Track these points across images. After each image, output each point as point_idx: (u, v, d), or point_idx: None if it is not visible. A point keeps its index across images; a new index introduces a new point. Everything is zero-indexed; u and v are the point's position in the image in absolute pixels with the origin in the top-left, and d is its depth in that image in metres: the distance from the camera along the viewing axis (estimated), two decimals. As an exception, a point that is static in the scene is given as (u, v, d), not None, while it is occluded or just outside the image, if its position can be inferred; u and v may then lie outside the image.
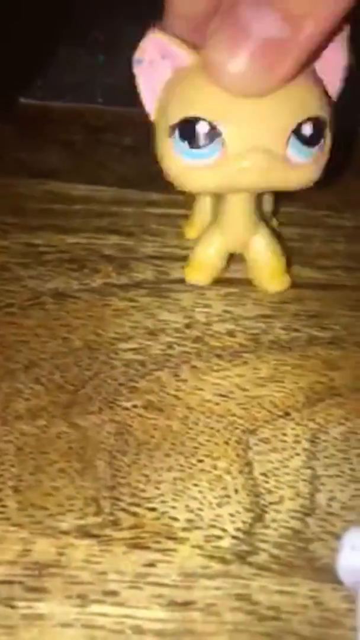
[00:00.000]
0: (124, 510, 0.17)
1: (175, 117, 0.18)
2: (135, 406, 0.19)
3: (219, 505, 0.17)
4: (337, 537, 0.16)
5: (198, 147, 0.18)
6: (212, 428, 0.19)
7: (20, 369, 0.20)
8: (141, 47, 0.19)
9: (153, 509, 0.17)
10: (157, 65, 0.19)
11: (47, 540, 0.16)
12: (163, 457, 0.18)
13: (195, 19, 0.20)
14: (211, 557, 0.16)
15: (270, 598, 0.15)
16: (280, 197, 0.23)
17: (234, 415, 0.19)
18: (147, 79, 0.19)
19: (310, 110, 0.18)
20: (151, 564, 0.16)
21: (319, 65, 0.19)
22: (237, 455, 0.18)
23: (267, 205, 0.23)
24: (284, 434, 0.18)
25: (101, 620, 0.15)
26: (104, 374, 0.20)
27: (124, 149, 0.28)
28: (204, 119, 0.18)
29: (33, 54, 0.31)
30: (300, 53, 0.17)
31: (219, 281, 0.23)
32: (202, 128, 0.18)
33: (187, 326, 0.21)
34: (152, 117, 0.20)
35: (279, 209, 0.24)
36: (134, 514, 0.17)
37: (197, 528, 0.17)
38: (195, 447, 0.18)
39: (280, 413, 0.19)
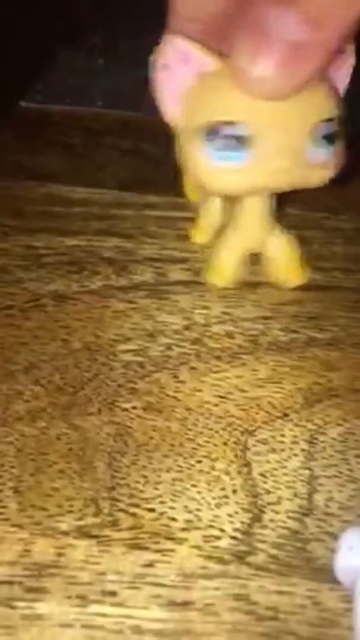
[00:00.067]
0: (123, 510, 0.17)
1: (205, 122, 0.19)
2: (134, 407, 0.19)
3: (218, 505, 0.17)
4: (335, 537, 0.16)
5: (228, 150, 0.19)
6: (210, 429, 0.19)
7: (20, 370, 0.20)
8: (161, 52, 0.19)
9: (152, 510, 0.17)
10: (178, 71, 0.19)
11: (46, 540, 0.16)
12: (162, 458, 0.18)
13: (203, 22, 0.20)
14: (210, 557, 0.16)
15: (269, 598, 0.16)
16: (279, 199, 0.23)
17: (232, 416, 0.19)
18: (167, 84, 0.19)
19: (329, 110, 0.19)
20: (150, 565, 0.16)
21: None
22: (236, 456, 0.18)
23: None
24: (282, 435, 0.19)
25: (100, 621, 0.15)
26: (104, 376, 0.20)
27: (123, 152, 0.28)
28: (234, 123, 0.18)
29: (33, 58, 0.31)
30: (323, 56, 0.17)
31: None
32: (232, 131, 0.18)
33: (186, 328, 0.21)
34: (175, 122, 0.20)
35: (277, 211, 0.24)
36: (133, 515, 0.17)
37: (196, 528, 0.17)
38: (194, 448, 0.18)
39: (279, 414, 0.19)
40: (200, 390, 0.20)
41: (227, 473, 0.18)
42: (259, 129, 0.18)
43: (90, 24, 0.32)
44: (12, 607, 0.15)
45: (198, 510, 0.17)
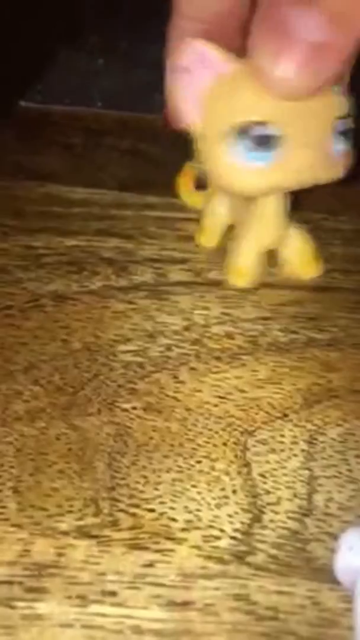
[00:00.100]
0: (123, 511, 0.17)
1: (233, 123, 0.19)
2: (134, 408, 0.19)
3: (218, 506, 0.17)
4: (335, 537, 0.16)
5: (258, 150, 0.19)
6: (210, 429, 0.19)
7: (20, 370, 0.20)
8: (179, 56, 0.19)
9: (152, 510, 0.17)
10: (197, 74, 0.19)
11: (46, 540, 0.16)
12: (162, 459, 0.18)
13: (207, 22, 0.20)
14: (209, 557, 0.16)
15: (269, 598, 0.16)
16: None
17: (232, 416, 0.19)
18: (186, 88, 0.19)
19: (345, 107, 0.19)
20: (150, 565, 0.16)
21: None
22: (236, 456, 0.18)
23: None
24: (282, 435, 0.19)
25: (100, 621, 0.15)
26: (103, 376, 0.20)
27: (122, 152, 0.28)
28: (263, 122, 0.19)
29: (33, 58, 0.31)
30: (344, 55, 0.17)
31: (217, 283, 0.23)
32: (262, 131, 0.19)
33: (186, 328, 0.21)
34: (195, 124, 0.20)
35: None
36: (133, 515, 0.17)
37: (196, 529, 0.17)
38: (194, 449, 0.18)
39: (279, 414, 0.19)
40: (200, 391, 0.20)
41: (227, 473, 0.18)
42: (286, 127, 0.19)
43: (90, 24, 0.32)
44: (12, 607, 0.15)
45: (198, 510, 0.17)
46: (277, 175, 0.19)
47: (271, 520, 0.17)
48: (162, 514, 0.17)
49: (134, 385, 0.20)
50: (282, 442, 0.18)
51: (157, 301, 0.22)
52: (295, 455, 0.18)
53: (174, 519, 0.17)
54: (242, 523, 0.17)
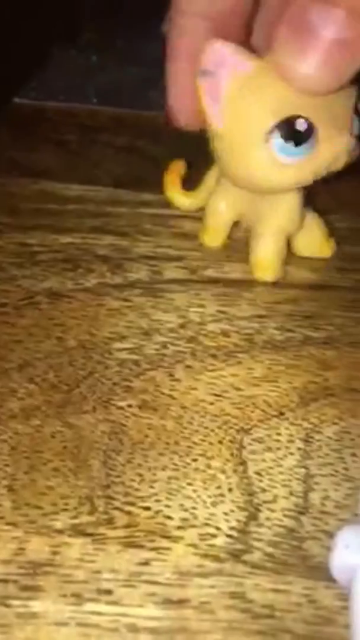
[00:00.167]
0: (118, 509, 0.17)
1: (270, 121, 0.19)
2: (129, 406, 0.19)
3: (213, 504, 0.17)
4: (331, 535, 0.16)
5: (293, 145, 0.19)
6: (206, 427, 0.19)
7: (15, 368, 0.20)
8: (204, 59, 0.19)
9: (147, 508, 0.17)
10: (219, 75, 0.19)
11: (41, 539, 0.16)
12: (157, 457, 0.18)
13: (214, 19, 0.20)
14: (205, 555, 0.16)
15: (264, 596, 0.16)
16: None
17: (228, 414, 0.19)
18: (211, 90, 0.19)
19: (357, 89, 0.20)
20: (145, 563, 0.16)
21: None
22: (231, 454, 0.18)
23: None
24: (278, 434, 0.19)
25: (96, 619, 0.15)
26: (98, 374, 0.20)
27: (118, 149, 0.28)
28: (297, 118, 0.19)
29: (27, 55, 0.31)
30: None
31: (212, 281, 0.23)
32: (302, 125, 0.19)
33: (182, 326, 0.21)
34: (224, 128, 0.20)
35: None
36: (128, 513, 0.17)
37: (192, 527, 0.17)
38: (190, 447, 0.18)
39: (275, 413, 0.19)
40: (195, 389, 0.20)
41: (223, 471, 0.18)
42: (318, 118, 0.19)
43: (84, 21, 0.32)
44: (7, 606, 0.15)
45: (194, 508, 0.17)
46: (312, 168, 0.20)
47: (267, 518, 0.17)
48: (157, 512, 0.17)
49: (129, 383, 0.20)
50: (278, 441, 0.18)
51: (153, 299, 0.22)
52: (291, 453, 0.18)
53: (169, 517, 0.17)
54: (238, 521, 0.17)
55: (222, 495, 0.17)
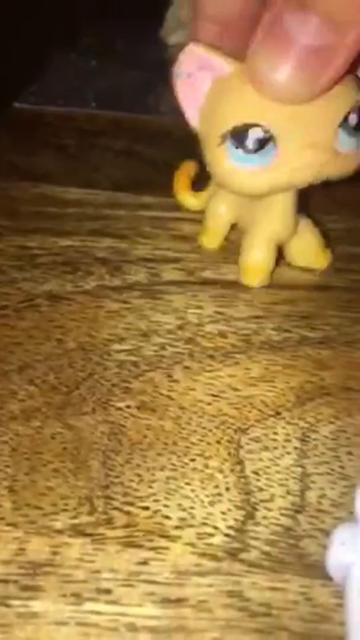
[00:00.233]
0: (117, 509, 0.17)
1: (226, 126, 0.19)
2: (128, 406, 0.19)
3: (211, 503, 0.17)
4: (327, 533, 0.16)
5: (252, 152, 0.19)
6: (204, 428, 0.19)
7: (15, 370, 0.20)
8: (180, 61, 0.19)
9: (146, 508, 0.17)
10: (197, 77, 0.19)
11: (41, 539, 0.16)
12: (156, 457, 0.18)
13: (226, 22, 0.20)
14: (203, 554, 0.16)
15: (262, 594, 0.16)
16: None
17: (225, 414, 0.19)
18: (187, 91, 0.20)
19: (354, 101, 0.19)
20: (144, 562, 0.16)
21: None
22: (229, 454, 0.18)
23: None
24: (275, 433, 0.19)
25: (95, 618, 0.15)
26: (98, 375, 0.20)
27: (117, 153, 0.28)
28: (256, 125, 0.19)
29: (27, 59, 0.31)
30: (344, 60, 0.17)
31: (210, 283, 0.23)
32: (255, 134, 0.19)
33: (180, 327, 0.22)
34: (197, 127, 0.20)
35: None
36: (127, 513, 0.17)
37: (190, 526, 0.17)
38: (188, 447, 0.18)
39: (271, 412, 0.19)
40: (193, 389, 0.20)
41: (221, 471, 0.18)
42: (282, 129, 0.19)
43: (84, 25, 0.32)
44: (8, 606, 0.15)
45: (192, 508, 0.17)
46: (276, 176, 0.19)
47: (264, 517, 0.17)
48: (156, 511, 0.17)
49: (128, 384, 0.20)
50: (275, 440, 0.19)
51: (151, 300, 0.22)
52: (288, 452, 0.18)
53: (167, 517, 0.17)
54: (236, 520, 0.17)
55: (219, 494, 0.17)
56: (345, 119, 0.19)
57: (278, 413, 0.19)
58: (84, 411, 0.19)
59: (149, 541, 0.17)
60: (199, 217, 0.24)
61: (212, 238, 0.24)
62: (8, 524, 0.17)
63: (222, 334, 0.21)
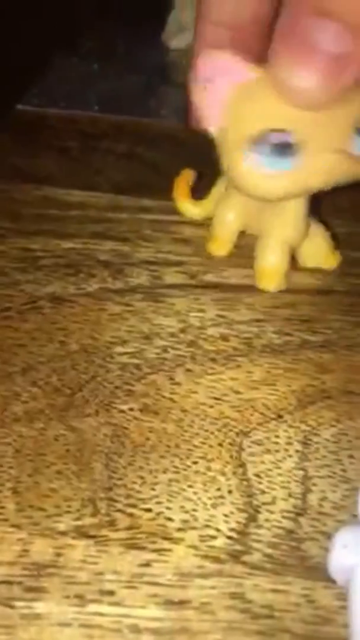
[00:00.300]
0: (120, 511, 0.17)
1: (251, 131, 0.19)
2: (131, 409, 0.19)
3: (213, 506, 0.17)
4: (329, 536, 0.16)
5: (276, 156, 0.19)
6: (206, 430, 0.19)
7: (18, 372, 0.20)
8: (198, 66, 0.19)
9: (149, 510, 0.17)
10: (216, 83, 0.19)
11: (45, 540, 0.17)
12: (158, 459, 0.18)
13: (238, 27, 0.20)
14: (206, 556, 0.16)
15: (264, 596, 0.16)
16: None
17: (227, 417, 0.19)
18: (206, 97, 0.20)
19: None
20: (147, 564, 0.16)
21: None
22: (231, 456, 0.18)
23: None
24: (277, 436, 0.19)
25: (99, 620, 0.15)
26: (100, 377, 0.20)
27: (118, 156, 0.28)
28: (280, 130, 0.19)
29: (29, 62, 0.31)
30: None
31: (212, 286, 0.23)
32: (279, 138, 0.19)
33: (182, 330, 0.22)
34: (215, 133, 0.20)
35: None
36: (130, 515, 0.17)
37: (192, 528, 0.17)
38: (190, 449, 0.18)
39: (273, 415, 0.19)
40: (195, 392, 0.20)
41: (223, 474, 0.18)
42: (304, 134, 0.19)
43: (86, 28, 0.32)
44: (11, 607, 0.16)
45: (194, 510, 0.17)
46: (297, 181, 0.20)
47: (266, 520, 0.17)
48: (158, 513, 0.17)
49: (130, 387, 0.20)
50: (276, 443, 0.19)
51: (153, 303, 0.22)
52: (289, 455, 0.18)
53: (170, 519, 0.17)
54: (238, 522, 0.17)
55: (222, 497, 0.17)
56: (357, 122, 0.20)
57: (280, 416, 0.19)
58: (87, 413, 0.19)
59: (152, 543, 0.17)
60: (200, 221, 0.25)
61: (220, 245, 0.24)
62: (12, 526, 0.17)
63: (224, 337, 0.21)
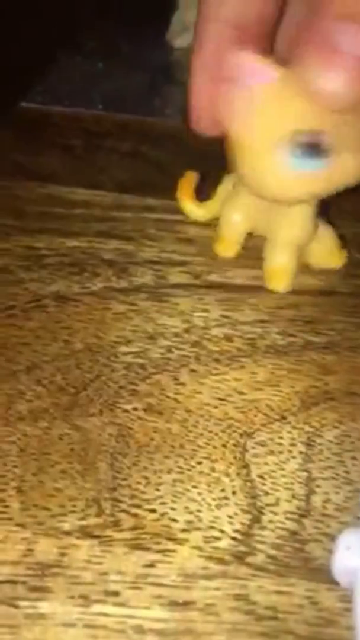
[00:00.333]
0: (124, 511, 0.17)
1: (284, 133, 0.19)
2: (135, 409, 0.19)
3: (218, 507, 0.17)
4: (333, 538, 0.16)
5: (309, 157, 0.19)
6: (210, 431, 0.19)
7: (22, 370, 0.20)
8: (229, 68, 0.19)
9: (153, 511, 0.17)
10: (243, 84, 0.19)
11: (49, 540, 0.17)
12: (163, 460, 0.18)
13: (241, 27, 0.20)
14: (210, 557, 0.16)
15: (268, 598, 0.16)
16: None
17: (231, 418, 0.19)
18: (234, 99, 0.20)
19: None
20: (151, 565, 0.16)
21: None
22: (235, 457, 0.18)
23: None
24: (281, 437, 0.19)
25: (103, 620, 0.15)
26: (105, 377, 0.20)
27: (122, 154, 0.28)
28: (314, 131, 0.19)
29: (34, 60, 0.31)
30: None
31: (216, 286, 0.23)
32: (313, 139, 0.19)
33: (186, 330, 0.22)
34: (244, 135, 0.20)
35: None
36: (135, 515, 0.17)
37: (196, 529, 0.17)
38: (194, 450, 0.19)
39: (277, 417, 0.19)
40: (200, 393, 0.20)
41: (227, 474, 0.18)
42: (335, 134, 0.19)
43: (90, 27, 0.32)
44: (16, 607, 0.16)
45: (198, 511, 0.17)
46: (326, 181, 0.20)
47: (270, 521, 0.17)
48: (163, 514, 0.17)
49: (135, 387, 0.20)
50: (280, 444, 0.19)
51: (158, 303, 0.22)
52: (293, 457, 0.18)
53: (174, 520, 0.17)
54: (242, 524, 0.17)
55: (226, 498, 0.18)
56: None
57: (283, 417, 0.19)
58: (91, 412, 0.19)
59: (156, 544, 0.17)
60: (205, 221, 0.25)
61: (227, 247, 0.24)
62: (16, 525, 0.17)
63: (228, 338, 0.21)
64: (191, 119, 0.21)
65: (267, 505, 0.17)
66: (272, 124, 0.19)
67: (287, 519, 0.17)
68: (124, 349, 0.21)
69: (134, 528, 0.17)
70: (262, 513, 0.17)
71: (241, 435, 0.19)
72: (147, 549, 0.17)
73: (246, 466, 0.18)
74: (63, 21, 0.32)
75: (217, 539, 0.17)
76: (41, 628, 0.15)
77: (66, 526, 0.17)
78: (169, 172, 0.26)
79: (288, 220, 0.22)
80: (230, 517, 0.17)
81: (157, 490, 0.18)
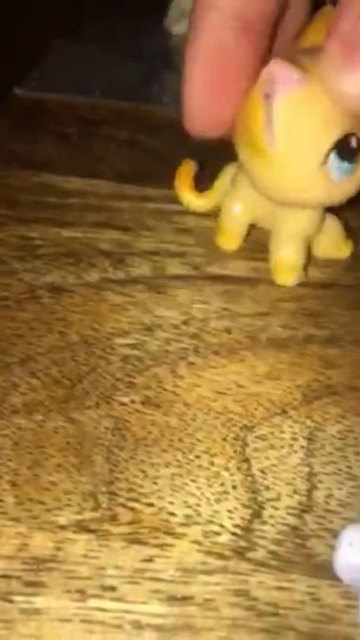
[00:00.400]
0: (122, 505, 0.17)
1: (327, 141, 0.19)
2: (132, 402, 0.19)
3: (217, 501, 0.17)
4: (335, 534, 0.16)
5: (351, 160, 0.19)
6: (209, 424, 0.19)
7: (16, 362, 0.20)
8: (264, 80, 0.19)
9: (151, 505, 0.17)
10: (275, 95, 0.19)
11: (44, 534, 0.16)
12: (160, 453, 0.18)
13: (242, 20, 0.19)
14: (209, 552, 0.16)
15: (269, 594, 0.16)
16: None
17: (231, 412, 0.19)
18: (271, 110, 0.19)
19: None
20: (149, 559, 0.16)
21: None
22: (235, 451, 0.18)
23: None
24: (282, 432, 0.19)
25: (100, 615, 0.15)
26: (101, 369, 0.20)
27: (120, 143, 0.28)
28: (353, 134, 0.19)
29: (30, 46, 0.31)
30: None
31: (215, 278, 0.23)
32: (354, 143, 0.19)
33: (184, 322, 0.21)
34: (274, 147, 0.19)
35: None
36: (132, 509, 0.17)
37: (196, 524, 0.17)
38: (193, 443, 0.18)
39: (278, 410, 0.19)
40: (198, 386, 0.20)
41: (227, 469, 0.18)
42: None
43: (87, 14, 0.32)
44: (11, 602, 0.15)
45: (197, 505, 0.17)
46: (357, 184, 0.20)
47: (271, 516, 0.17)
48: (161, 508, 0.17)
49: (132, 379, 0.20)
50: (281, 439, 0.18)
51: (155, 294, 0.22)
52: (294, 451, 0.18)
53: (173, 514, 0.17)
54: (242, 519, 0.17)
55: (225, 492, 0.17)
56: None
57: (284, 411, 0.19)
58: (87, 405, 0.19)
59: (154, 538, 0.16)
60: (204, 211, 0.24)
61: (229, 239, 0.23)
62: (11, 519, 0.16)
63: (228, 330, 0.21)
64: (185, 119, 0.20)
65: (268, 500, 0.17)
66: (306, 137, 0.19)
67: (288, 514, 0.17)
68: (120, 340, 0.21)
69: (131, 522, 0.17)
70: (263, 508, 0.17)
71: (241, 429, 0.19)
72: (145, 543, 0.16)
73: (246, 460, 0.18)
74: (59, 8, 0.31)
75: (217, 533, 0.16)
76: (36, 623, 0.15)
77: (62, 520, 0.16)
78: (166, 161, 0.25)
79: (294, 213, 0.21)
80: (230, 511, 0.17)
81: (155, 484, 0.17)
